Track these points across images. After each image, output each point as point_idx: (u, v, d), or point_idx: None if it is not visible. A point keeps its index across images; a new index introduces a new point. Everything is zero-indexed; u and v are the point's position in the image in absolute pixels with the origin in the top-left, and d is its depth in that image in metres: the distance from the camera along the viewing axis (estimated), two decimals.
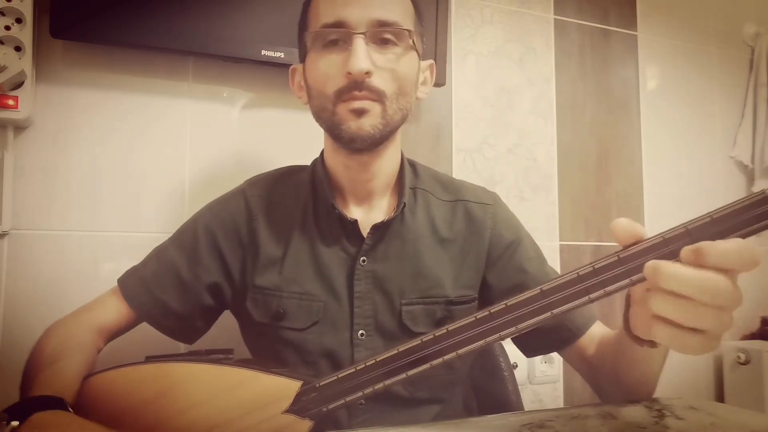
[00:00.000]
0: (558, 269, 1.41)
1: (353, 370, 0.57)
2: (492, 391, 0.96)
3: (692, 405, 0.61)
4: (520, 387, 0.99)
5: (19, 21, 0.94)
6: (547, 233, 1.43)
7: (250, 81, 1.15)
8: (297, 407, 0.58)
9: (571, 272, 0.48)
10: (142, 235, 1.06)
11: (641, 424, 0.56)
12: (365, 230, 0.75)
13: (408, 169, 0.80)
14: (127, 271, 0.78)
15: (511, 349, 0.82)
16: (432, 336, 0.53)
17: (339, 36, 0.68)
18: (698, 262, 0.41)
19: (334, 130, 0.70)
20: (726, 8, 1.71)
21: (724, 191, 1.66)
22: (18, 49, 0.94)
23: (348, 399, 0.57)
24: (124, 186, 1.06)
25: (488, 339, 0.51)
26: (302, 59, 0.75)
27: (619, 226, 0.47)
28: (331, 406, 0.58)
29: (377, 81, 0.67)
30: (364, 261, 0.74)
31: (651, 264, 0.43)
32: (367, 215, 0.77)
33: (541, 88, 1.45)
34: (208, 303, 0.77)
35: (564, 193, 1.45)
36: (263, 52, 1.07)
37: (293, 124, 1.19)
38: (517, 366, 1.04)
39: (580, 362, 0.76)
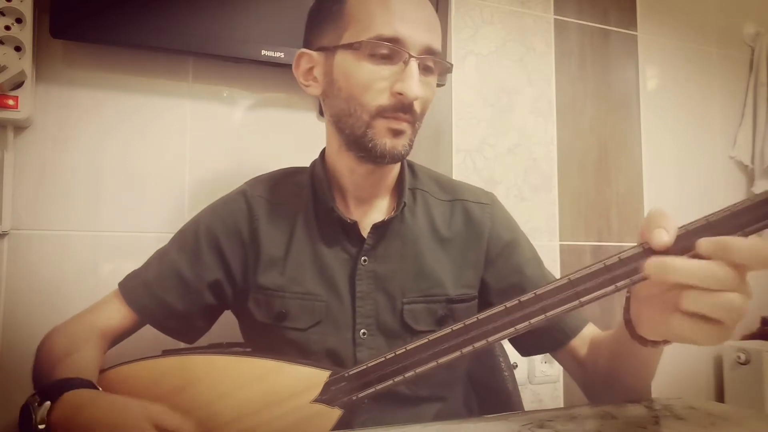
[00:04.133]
0: (558, 269, 1.42)
1: (383, 359, 0.58)
2: (492, 391, 0.96)
3: (692, 405, 0.61)
4: (520, 387, 0.99)
5: (19, 21, 0.94)
6: (547, 233, 1.43)
7: (250, 81, 1.15)
8: (326, 396, 0.59)
9: (595, 264, 0.50)
10: (142, 235, 1.06)
11: (641, 424, 0.56)
12: (365, 230, 0.75)
13: (407, 170, 0.81)
14: (128, 275, 0.78)
15: (511, 349, 0.82)
16: (462, 325, 0.55)
17: (392, 52, 0.67)
18: (722, 257, 0.43)
19: (361, 140, 0.69)
20: (726, 8, 1.70)
21: (724, 191, 1.66)
22: (18, 49, 0.94)
23: (378, 387, 0.57)
24: (124, 186, 1.06)
25: (518, 327, 0.53)
26: (322, 49, 0.72)
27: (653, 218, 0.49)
28: (361, 395, 0.58)
29: (417, 106, 0.69)
30: (365, 261, 0.75)
31: (654, 261, 0.45)
32: (367, 216, 0.77)
33: (541, 88, 1.45)
34: (210, 302, 0.77)
35: (564, 193, 1.45)
36: (263, 52, 1.07)
37: (293, 124, 1.19)
38: (517, 366, 1.04)
39: (573, 364, 0.76)
